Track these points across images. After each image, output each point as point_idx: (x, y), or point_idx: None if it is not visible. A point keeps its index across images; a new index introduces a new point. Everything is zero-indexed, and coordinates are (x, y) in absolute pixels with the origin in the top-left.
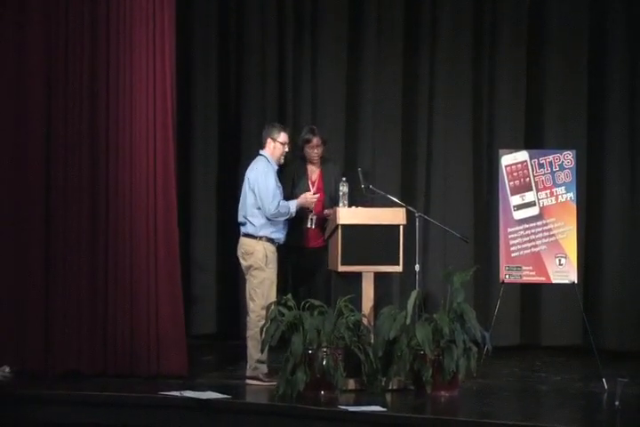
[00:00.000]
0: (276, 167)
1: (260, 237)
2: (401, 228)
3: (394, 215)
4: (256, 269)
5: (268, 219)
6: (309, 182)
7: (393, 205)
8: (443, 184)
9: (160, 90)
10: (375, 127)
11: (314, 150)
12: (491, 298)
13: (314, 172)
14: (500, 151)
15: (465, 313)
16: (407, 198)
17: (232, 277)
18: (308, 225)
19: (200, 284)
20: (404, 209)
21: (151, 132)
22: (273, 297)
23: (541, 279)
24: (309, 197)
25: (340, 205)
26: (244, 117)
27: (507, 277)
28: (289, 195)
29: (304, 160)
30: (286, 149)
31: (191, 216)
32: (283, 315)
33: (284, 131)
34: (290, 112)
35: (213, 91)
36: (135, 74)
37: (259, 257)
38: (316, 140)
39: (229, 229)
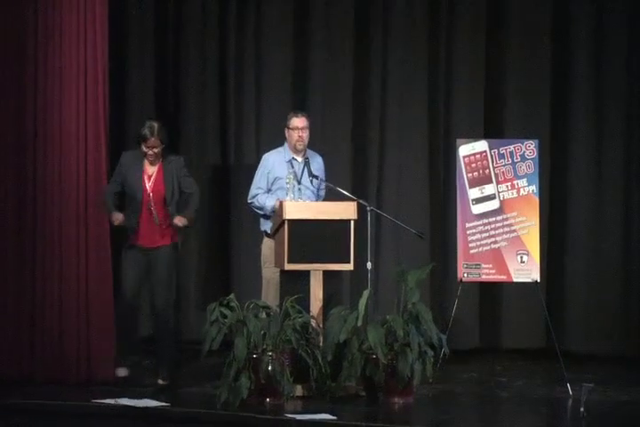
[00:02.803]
0: (292, 156)
1: (268, 234)
2: (352, 223)
3: (344, 209)
4: (263, 268)
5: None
6: (145, 176)
7: (344, 198)
8: (396, 176)
9: (92, 78)
10: (325, 116)
11: (149, 150)
12: (448, 298)
13: (151, 166)
14: (458, 141)
15: (420, 314)
16: (359, 191)
17: None
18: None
19: None
20: (356, 203)
21: (82, 122)
22: (271, 300)
23: (502, 278)
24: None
25: (287, 198)
26: (182, 112)
27: (465, 275)
28: (121, 187)
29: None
30: (299, 134)
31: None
32: (225, 317)
33: (295, 116)
34: (232, 100)
35: (149, 86)
36: (65, 62)
37: (262, 254)
38: (153, 141)
39: None
